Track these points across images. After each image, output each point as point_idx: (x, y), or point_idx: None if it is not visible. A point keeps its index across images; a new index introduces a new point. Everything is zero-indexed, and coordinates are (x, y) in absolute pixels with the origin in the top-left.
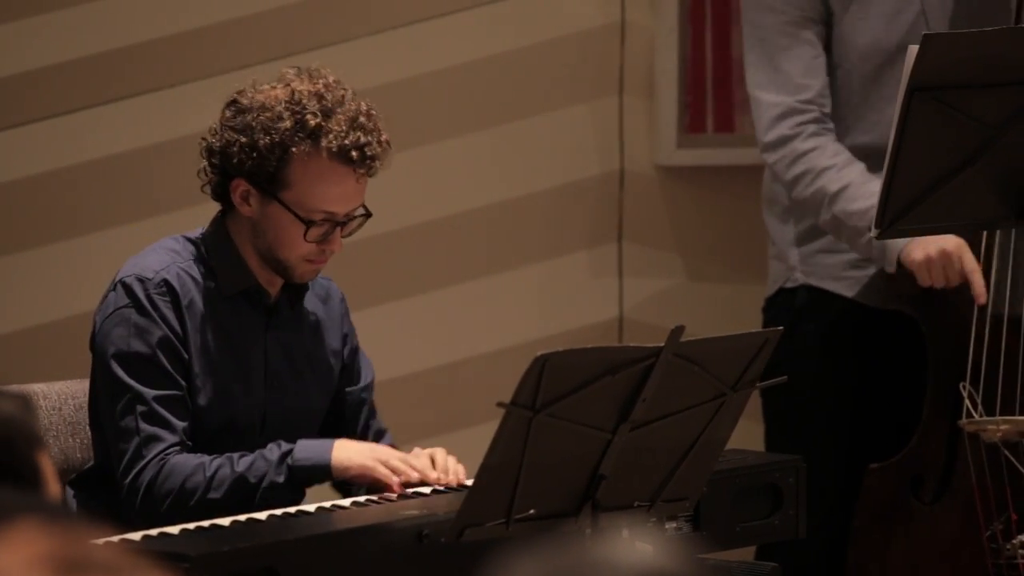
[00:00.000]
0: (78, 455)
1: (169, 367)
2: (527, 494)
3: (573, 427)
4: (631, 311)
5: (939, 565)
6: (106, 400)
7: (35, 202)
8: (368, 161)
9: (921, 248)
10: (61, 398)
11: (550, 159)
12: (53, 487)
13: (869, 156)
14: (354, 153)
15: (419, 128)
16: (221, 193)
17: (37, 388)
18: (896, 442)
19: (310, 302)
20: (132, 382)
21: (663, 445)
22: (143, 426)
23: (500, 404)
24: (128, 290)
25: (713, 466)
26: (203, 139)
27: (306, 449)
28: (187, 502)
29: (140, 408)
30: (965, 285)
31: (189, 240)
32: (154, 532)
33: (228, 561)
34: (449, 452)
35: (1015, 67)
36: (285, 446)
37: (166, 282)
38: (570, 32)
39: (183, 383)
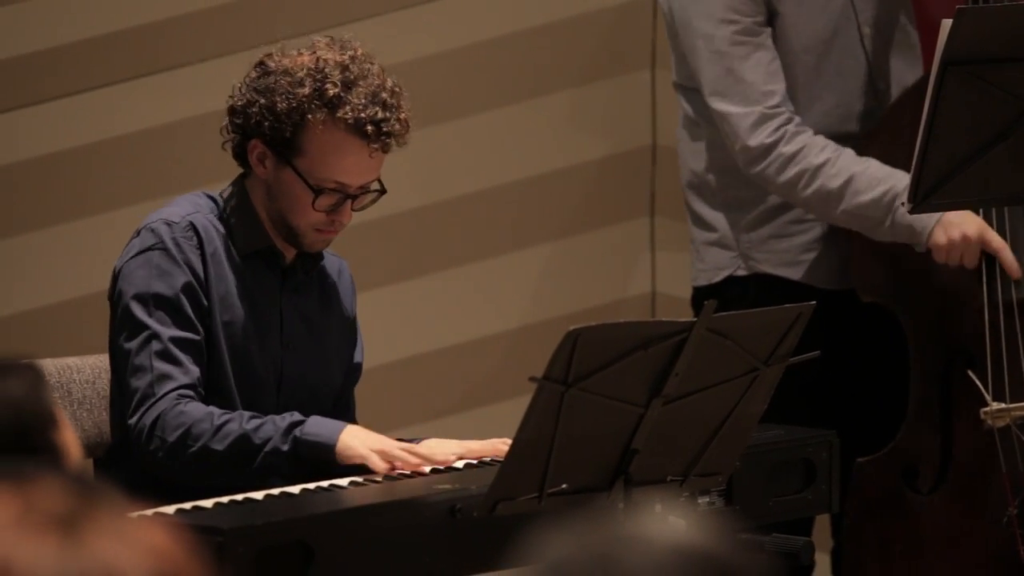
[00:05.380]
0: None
1: (189, 311)
2: (559, 468)
3: (605, 401)
4: (664, 286)
5: (945, 552)
6: (122, 341)
7: (65, 176)
8: (384, 137)
9: (944, 233)
10: (95, 372)
11: (582, 133)
12: (74, 460)
13: None
14: (370, 128)
15: (450, 103)
16: (240, 153)
17: (71, 362)
18: (877, 432)
19: (324, 273)
20: (150, 321)
21: (696, 420)
22: (156, 364)
23: (532, 379)
24: (154, 232)
25: (746, 441)
26: (230, 96)
27: (317, 425)
28: (190, 447)
29: (156, 346)
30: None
31: (210, 197)
32: (188, 505)
33: (261, 535)
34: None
35: None
36: (298, 417)
37: (193, 226)
38: (602, 6)
39: (201, 330)
